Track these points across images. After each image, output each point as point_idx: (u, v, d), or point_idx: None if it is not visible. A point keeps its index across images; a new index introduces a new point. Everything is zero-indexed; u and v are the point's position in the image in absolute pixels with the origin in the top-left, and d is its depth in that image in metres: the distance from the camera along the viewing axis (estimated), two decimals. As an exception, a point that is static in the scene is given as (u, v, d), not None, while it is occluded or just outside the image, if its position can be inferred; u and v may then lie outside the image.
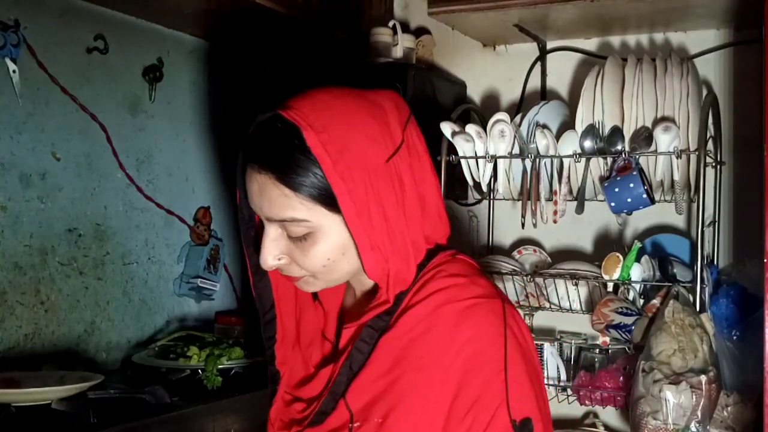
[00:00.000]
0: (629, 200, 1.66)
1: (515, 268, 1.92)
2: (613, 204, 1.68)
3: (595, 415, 1.95)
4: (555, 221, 1.77)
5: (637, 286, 1.75)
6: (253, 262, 1.08)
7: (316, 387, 1.08)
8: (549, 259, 1.97)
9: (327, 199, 0.97)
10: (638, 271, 1.72)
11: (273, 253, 1.01)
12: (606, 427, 1.90)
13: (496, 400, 0.97)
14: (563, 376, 1.84)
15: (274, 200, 0.98)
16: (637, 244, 1.74)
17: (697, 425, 1.54)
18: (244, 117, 2.18)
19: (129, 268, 2.00)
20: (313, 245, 1.00)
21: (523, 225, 1.80)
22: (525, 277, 1.87)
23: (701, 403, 1.54)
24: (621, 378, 1.76)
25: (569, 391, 1.83)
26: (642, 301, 1.77)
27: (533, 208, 1.78)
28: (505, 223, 2.09)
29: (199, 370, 1.64)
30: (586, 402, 1.80)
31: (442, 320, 0.99)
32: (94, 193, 1.91)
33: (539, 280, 1.87)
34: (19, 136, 1.73)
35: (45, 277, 1.78)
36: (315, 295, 1.14)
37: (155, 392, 1.49)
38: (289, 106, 0.98)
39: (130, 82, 2.01)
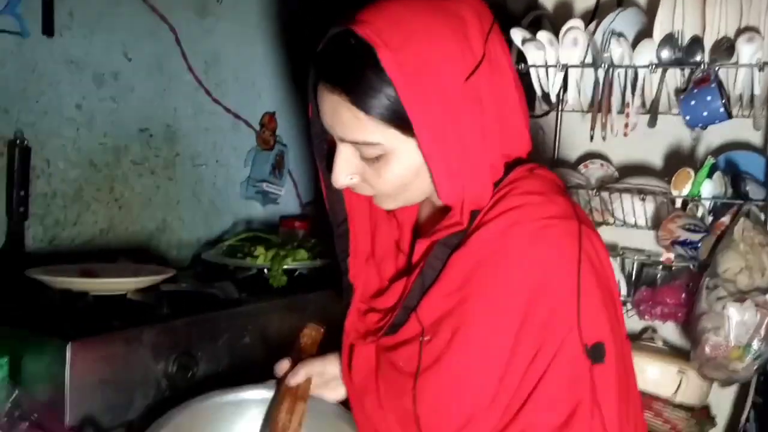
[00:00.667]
0: (705, 114, 1.61)
1: (580, 182, 1.89)
2: (688, 117, 1.63)
3: (654, 330, 1.95)
4: (626, 134, 1.73)
5: (707, 203, 1.71)
6: (326, 176, 1.06)
7: (390, 299, 1.08)
8: (616, 173, 1.94)
9: (401, 123, 0.93)
10: (709, 188, 1.68)
11: (345, 172, 0.99)
12: (664, 342, 1.90)
13: (566, 324, 0.95)
14: (624, 291, 1.84)
15: (347, 122, 0.95)
16: (710, 160, 1.69)
17: (760, 343, 1.53)
18: (313, 23, 2.17)
19: (198, 170, 2.05)
20: (386, 167, 0.97)
21: (591, 138, 1.76)
22: (590, 191, 1.84)
23: (765, 322, 1.52)
24: (683, 295, 1.74)
25: (629, 306, 1.83)
26: (711, 218, 1.73)
27: (603, 120, 1.73)
28: (572, 136, 2.04)
29: (265, 270, 1.69)
30: (646, 317, 1.80)
31: (515, 240, 0.96)
32: (164, 94, 1.94)
33: (605, 194, 1.84)
34: (92, 36, 1.76)
35: (119, 175, 1.84)
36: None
37: (225, 288, 1.55)
38: (362, 20, 0.93)
39: (198, -17, 2.01)
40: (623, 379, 1.00)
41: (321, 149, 1.07)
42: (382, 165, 0.97)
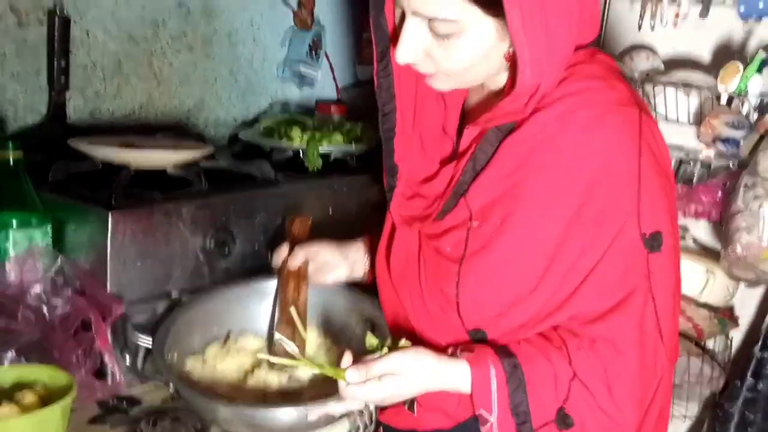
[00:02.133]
0: (761, 5, 1.54)
1: (624, 73, 1.84)
2: (742, 8, 1.56)
3: (686, 229, 1.94)
4: (675, 25, 1.67)
5: (754, 100, 1.66)
6: (380, 49, 1.04)
7: (439, 185, 1.07)
8: (662, 66, 1.88)
9: (488, 1, 0.90)
10: (758, 84, 1.62)
11: (413, 47, 0.95)
12: (695, 240, 1.90)
13: (625, 212, 0.94)
14: (659, 187, 1.82)
15: None
16: (761, 54, 1.62)
17: (794, 245, 1.52)
18: None
19: (235, 49, 2.03)
20: (458, 46, 0.94)
21: (639, 27, 1.70)
22: (633, 83, 1.80)
23: (802, 224, 1.51)
24: (719, 193, 1.72)
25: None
26: (756, 116, 1.69)
27: (654, 8, 1.67)
28: (620, 24, 1.97)
29: (301, 152, 1.70)
30: (680, 214, 1.79)
31: (573, 126, 0.95)
32: (202, -34, 1.91)
33: (648, 87, 1.79)
34: None
35: (157, 50, 1.83)
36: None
37: (262, 167, 1.56)
38: None
39: None
40: (678, 270, 1.01)
41: (378, 21, 1.03)
42: (454, 43, 0.94)
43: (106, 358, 1.19)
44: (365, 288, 1.31)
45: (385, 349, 1.01)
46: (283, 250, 1.29)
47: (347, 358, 1.00)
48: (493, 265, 1.00)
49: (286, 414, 1.11)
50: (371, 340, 1.02)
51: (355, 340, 1.26)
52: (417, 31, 0.95)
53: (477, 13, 0.91)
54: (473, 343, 1.04)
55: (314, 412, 1.08)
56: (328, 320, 1.34)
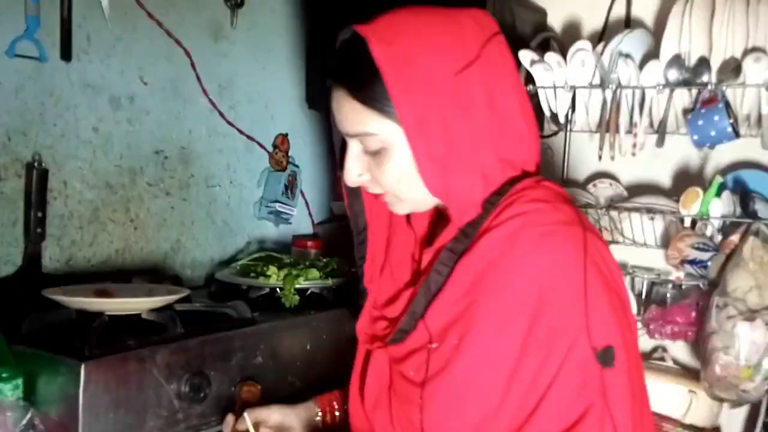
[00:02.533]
0: (713, 134, 1.62)
1: (590, 201, 1.90)
2: (695, 137, 1.64)
3: (664, 350, 1.94)
4: (634, 154, 1.74)
5: (716, 222, 1.72)
6: (345, 183, 1.10)
7: (399, 307, 1.11)
8: (625, 192, 1.95)
9: (395, 113, 0.98)
10: (718, 207, 1.68)
11: (354, 169, 1.05)
12: (675, 361, 1.90)
13: (574, 327, 0.95)
14: (634, 310, 1.84)
15: (347, 114, 1.01)
16: (719, 179, 1.70)
17: (770, 362, 1.53)
18: (325, 45, 2.19)
19: (212, 191, 2.08)
20: (387, 160, 1.01)
21: (600, 157, 1.77)
22: (599, 210, 1.85)
23: (775, 341, 1.52)
24: (693, 313, 1.75)
25: (639, 325, 1.83)
26: (720, 237, 1.74)
27: (612, 140, 1.75)
28: (581, 156, 2.06)
29: (278, 289, 1.71)
30: (656, 336, 1.80)
31: (519, 245, 0.98)
32: (179, 117, 1.98)
33: (614, 213, 1.85)
34: (108, 60, 1.80)
35: (134, 197, 1.87)
36: (408, 219, 1.16)
37: (237, 307, 1.56)
38: (367, 22, 1.00)
39: (213, 8, 2.05)
40: (636, 383, 1.00)
41: (342, 158, 1.09)
42: (383, 158, 1.02)
43: None
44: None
45: None
46: (230, 417, 1.31)
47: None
48: (454, 386, 1.00)
49: None
50: None
51: None
52: (356, 152, 1.04)
53: (392, 125, 0.99)
54: None
55: None
56: None
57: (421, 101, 0.97)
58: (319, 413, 1.32)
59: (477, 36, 1.01)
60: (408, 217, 1.15)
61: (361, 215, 1.15)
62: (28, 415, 1.23)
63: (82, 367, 1.22)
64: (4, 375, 1.26)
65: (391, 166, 1.02)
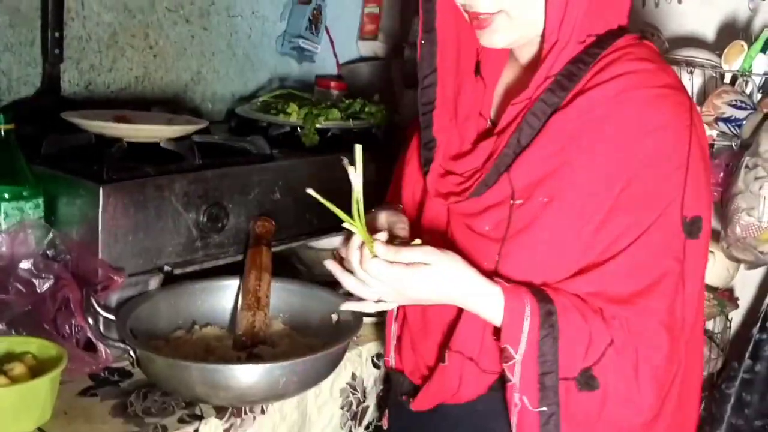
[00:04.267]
0: (768, -17, 1.51)
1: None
2: (748, -14, 1.53)
3: (687, 209, 1.92)
4: (680, 2, 1.64)
5: (758, 79, 1.64)
6: (426, 19, 1.05)
7: (475, 160, 1.06)
8: (666, 44, 1.85)
9: None
10: (762, 63, 1.60)
11: None
12: (696, 221, 1.88)
13: (671, 193, 0.95)
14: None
15: None
16: (766, 33, 1.60)
17: (794, 226, 1.50)
18: None
19: (233, 21, 2.00)
20: None
21: (644, 3, 1.68)
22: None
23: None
24: (721, 174, 1.70)
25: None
26: (759, 96, 1.67)
27: (658, -15, 1.64)
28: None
29: (298, 128, 1.68)
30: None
31: (629, 105, 0.95)
32: (201, -62, 1.88)
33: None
34: None
35: (153, 22, 1.81)
36: (477, 71, 1.11)
37: (256, 142, 1.54)
38: None
39: None
40: (707, 257, 1.02)
41: None
42: None
43: (88, 332, 1.18)
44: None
45: (418, 241, 0.98)
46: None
47: (383, 234, 0.99)
48: (536, 246, 0.99)
49: (251, 372, 1.13)
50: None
51: (321, 334, 1.31)
52: None
53: None
54: None
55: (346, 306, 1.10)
56: (292, 315, 1.39)
57: None
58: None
59: None
60: (477, 68, 1.10)
61: (431, 55, 1.07)
62: (50, 235, 1.25)
63: (101, 189, 1.23)
64: (24, 194, 1.27)
65: None
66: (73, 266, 1.24)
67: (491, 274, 1.00)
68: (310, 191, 1.02)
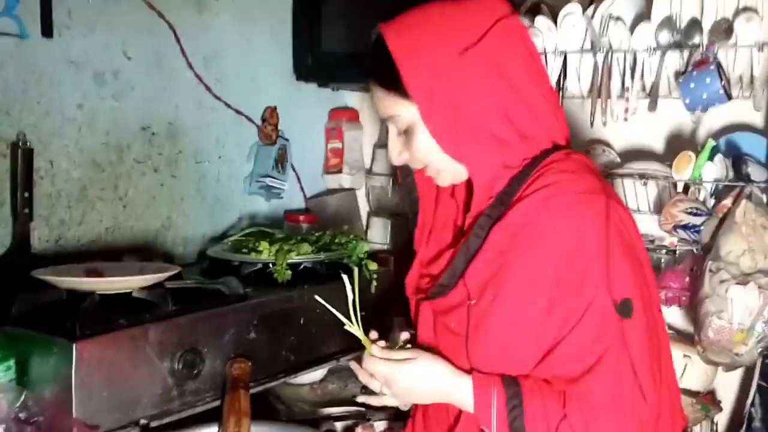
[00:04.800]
0: (705, 96, 1.61)
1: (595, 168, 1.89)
2: (688, 101, 1.63)
3: (659, 314, 1.94)
4: (626, 119, 1.73)
5: (709, 186, 1.71)
6: (404, 170, 1.30)
7: (441, 264, 1.25)
8: (618, 158, 1.94)
9: (402, 91, 1.14)
10: (711, 171, 1.68)
11: (394, 149, 1.22)
12: (670, 326, 1.90)
13: (596, 282, 1.08)
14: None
15: (378, 102, 1.20)
16: (711, 143, 1.69)
17: (764, 326, 1.53)
18: (311, 14, 2.17)
19: (201, 167, 2.06)
20: (414, 137, 1.18)
21: (592, 123, 1.76)
22: (592, 177, 1.84)
23: (769, 304, 1.52)
24: (687, 279, 1.75)
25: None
26: (713, 201, 1.73)
27: (603, 105, 1.73)
28: (573, 122, 2.03)
29: (270, 264, 1.69)
30: (651, 301, 1.80)
31: (547, 212, 1.11)
32: (165, 91, 1.95)
33: (607, 180, 1.84)
34: (92, 35, 1.77)
35: (122, 174, 1.85)
36: (452, 192, 1.30)
37: (229, 283, 1.55)
38: (391, 20, 1.17)
39: (195, -21, 2.01)
40: (653, 335, 1.13)
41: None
42: (411, 136, 1.18)
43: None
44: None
45: (406, 335, 1.28)
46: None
47: (374, 333, 1.25)
48: (494, 338, 1.14)
49: None
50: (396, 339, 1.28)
51: None
52: (393, 135, 1.22)
53: (407, 104, 1.15)
54: None
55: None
56: None
57: (428, 81, 1.12)
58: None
59: (483, 19, 1.13)
60: (453, 190, 1.30)
61: (414, 191, 1.32)
62: (22, 397, 1.23)
63: (74, 346, 1.22)
64: (-5, 357, 1.25)
65: (417, 141, 1.18)
66: (46, 427, 1.21)
67: (468, 368, 1.17)
68: (318, 298, 1.27)
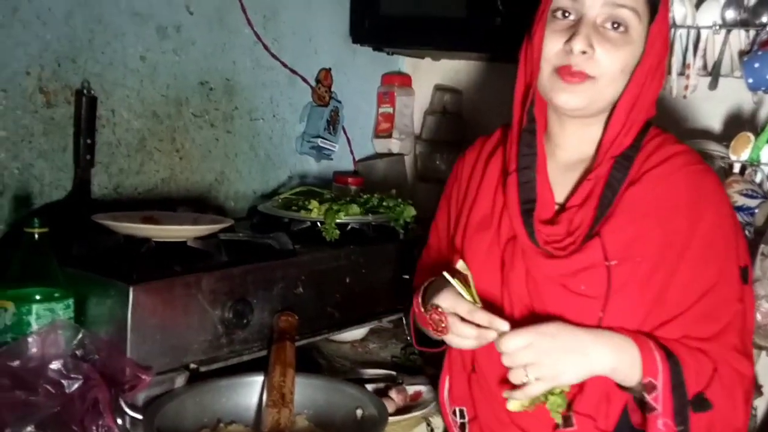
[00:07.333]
0: (769, 77, 1.57)
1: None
2: (750, 80, 1.59)
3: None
4: (685, 97, 1.70)
5: (767, 169, 1.68)
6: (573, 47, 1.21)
7: (562, 228, 1.23)
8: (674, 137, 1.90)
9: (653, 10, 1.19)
10: (770, 153, 1.65)
11: (586, 40, 1.16)
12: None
13: (730, 246, 1.18)
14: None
15: None
16: (772, 125, 1.66)
17: (813, 312, 1.51)
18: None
19: (255, 124, 2.09)
20: (626, 44, 1.17)
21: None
22: (646, 154, 1.82)
23: (820, 291, 1.50)
24: (737, 261, 1.72)
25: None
26: (769, 184, 1.70)
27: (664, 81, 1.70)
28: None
29: (319, 223, 1.72)
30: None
31: (687, 179, 1.19)
32: (224, 48, 1.97)
33: (661, 157, 1.82)
34: (155, -12, 1.80)
35: (180, 127, 1.88)
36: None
37: (280, 238, 1.58)
38: None
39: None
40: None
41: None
42: (624, 41, 1.17)
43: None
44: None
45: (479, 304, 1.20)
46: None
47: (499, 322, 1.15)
48: (637, 300, 1.16)
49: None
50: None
51: (345, 431, 1.33)
52: (590, 30, 1.17)
53: (645, 26, 1.19)
54: None
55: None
56: (316, 411, 1.39)
57: (661, 40, 1.21)
58: None
59: None
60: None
61: (532, 135, 1.30)
62: (80, 335, 1.27)
63: (131, 290, 1.26)
64: (56, 295, 1.30)
65: (626, 51, 1.17)
66: (101, 366, 1.25)
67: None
68: (446, 274, 1.19)
